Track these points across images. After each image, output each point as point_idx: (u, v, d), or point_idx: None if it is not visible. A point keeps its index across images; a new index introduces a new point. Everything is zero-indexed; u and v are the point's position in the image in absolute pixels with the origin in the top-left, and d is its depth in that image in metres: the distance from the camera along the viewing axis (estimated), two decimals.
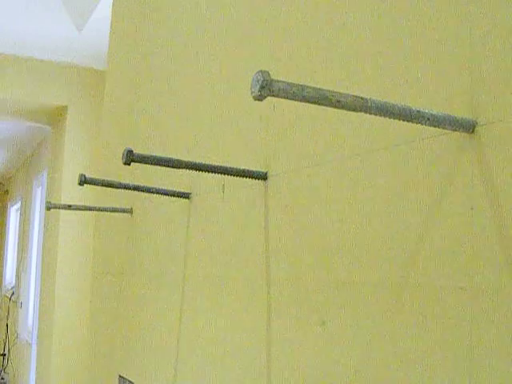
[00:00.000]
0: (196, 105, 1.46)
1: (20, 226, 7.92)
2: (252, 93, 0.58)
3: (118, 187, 1.39)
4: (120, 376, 1.81)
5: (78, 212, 3.96)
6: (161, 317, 1.55)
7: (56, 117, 4.79)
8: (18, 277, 7.69)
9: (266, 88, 0.57)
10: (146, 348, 1.64)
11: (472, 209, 0.67)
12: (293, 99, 0.59)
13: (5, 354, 7.88)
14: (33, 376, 5.44)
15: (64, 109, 4.51)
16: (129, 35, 2.21)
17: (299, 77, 1.04)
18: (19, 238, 7.91)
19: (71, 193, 4.26)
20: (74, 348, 4.24)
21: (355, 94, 0.63)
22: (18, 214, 8.37)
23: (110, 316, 2.03)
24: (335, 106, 0.60)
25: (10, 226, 9.15)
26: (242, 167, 1.10)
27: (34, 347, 5.52)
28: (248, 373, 1.10)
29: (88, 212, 3.50)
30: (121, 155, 2.01)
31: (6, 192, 9.70)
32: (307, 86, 0.59)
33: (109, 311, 2.04)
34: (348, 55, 0.92)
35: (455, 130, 0.68)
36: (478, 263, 0.66)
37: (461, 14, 0.72)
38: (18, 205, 8.28)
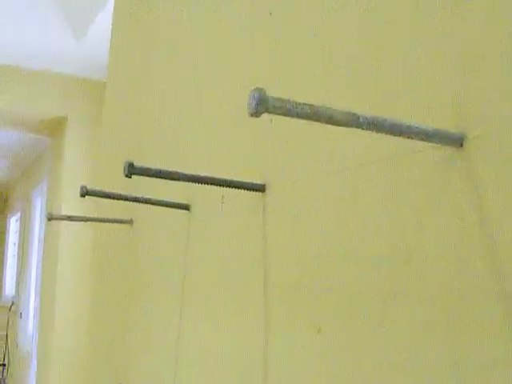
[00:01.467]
0: (196, 116, 1.49)
1: (20, 236, 7.94)
2: (248, 110, 0.61)
3: (118, 198, 1.42)
4: None
5: (78, 222, 3.99)
6: (160, 326, 1.57)
7: (55, 127, 4.82)
8: (17, 287, 7.70)
9: (262, 105, 0.60)
10: (146, 356, 1.66)
11: (460, 220, 0.70)
12: (287, 116, 0.61)
13: (4, 365, 7.88)
14: None
15: (63, 119, 4.54)
16: (129, 46, 2.24)
17: (293, 91, 1.06)
18: (19, 248, 7.93)
19: (71, 203, 4.28)
20: (74, 358, 4.25)
21: (347, 108, 0.66)
22: (18, 224, 8.39)
23: (110, 325, 2.05)
24: (328, 122, 0.63)
25: (10, 237, 9.17)
26: (241, 179, 1.13)
27: (34, 357, 5.53)
28: (245, 379, 1.13)
29: (88, 223, 3.52)
30: (121, 166, 2.03)
31: (6, 201, 9.72)
32: (301, 103, 0.61)
33: (109, 321, 2.06)
34: (339, 70, 0.95)
35: (444, 145, 0.70)
36: (466, 273, 0.68)
37: (450, 28, 0.74)
38: (18, 215, 8.30)
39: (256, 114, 0.60)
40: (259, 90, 0.60)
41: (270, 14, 1.17)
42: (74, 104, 4.46)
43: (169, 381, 1.46)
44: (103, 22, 3.34)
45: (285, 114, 0.61)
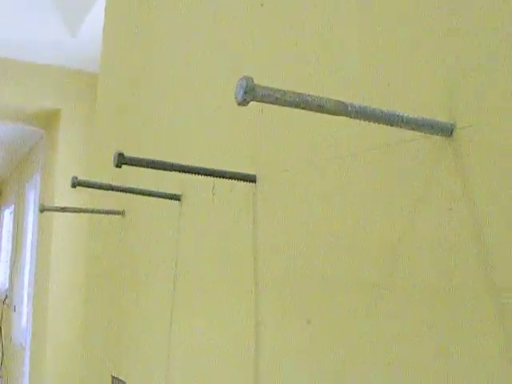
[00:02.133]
0: (187, 108, 1.49)
1: (13, 228, 7.92)
2: (236, 98, 0.60)
3: (109, 189, 1.41)
4: (113, 377, 1.82)
5: (71, 215, 3.98)
6: (152, 317, 1.57)
7: (49, 120, 4.80)
8: (11, 280, 7.68)
9: (249, 93, 0.59)
10: (139, 348, 1.66)
11: (450, 209, 0.69)
12: (276, 104, 0.61)
13: None
14: (26, 379, 5.44)
15: (57, 112, 4.53)
16: (122, 38, 2.23)
17: (284, 82, 1.06)
18: (12, 241, 7.91)
19: (64, 196, 4.27)
20: (68, 350, 4.25)
21: (336, 98, 0.65)
22: (12, 216, 8.37)
23: (102, 317, 2.05)
24: (317, 111, 0.63)
25: (4, 229, 9.14)
26: (232, 170, 1.13)
27: (28, 350, 5.53)
28: (237, 369, 1.13)
29: (81, 215, 3.52)
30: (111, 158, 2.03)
31: (0, 195, 9.70)
32: (289, 91, 0.61)
33: (101, 312, 2.06)
34: (330, 60, 0.94)
35: (434, 134, 0.70)
36: (455, 261, 0.68)
37: (440, 19, 0.74)
38: (12, 208, 8.28)
39: (243, 102, 0.60)
40: (246, 79, 0.60)
41: (262, 5, 1.16)
42: (68, 96, 4.44)
43: (161, 372, 1.46)
44: (98, 15, 3.33)
45: (273, 103, 0.61)
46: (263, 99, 0.60)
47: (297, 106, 0.61)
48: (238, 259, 1.15)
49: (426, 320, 0.72)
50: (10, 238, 8.31)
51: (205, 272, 1.29)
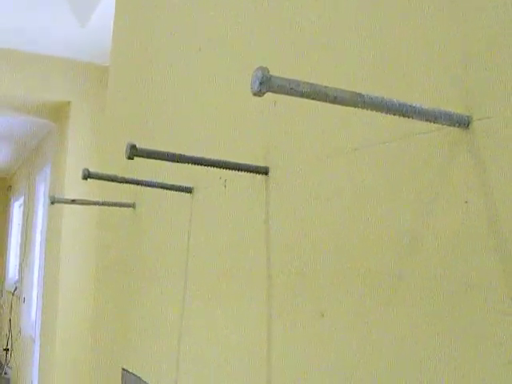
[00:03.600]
0: (199, 99, 1.48)
1: (23, 221, 7.95)
2: (251, 89, 0.60)
3: (120, 181, 1.41)
4: (123, 369, 1.83)
5: (81, 207, 3.98)
6: (163, 310, 1.57)
7: (59, 112, 4.81)
8: (21, 272, 7.72)
9: (265, 84, 0.59)
10: (149, 341, 1.66)
11: (466, 202, 0.69)
12: (291, 95, 0.61)
13: (8, 349, 7.91)
14: (36, 370, 5.47)
15: (67, 104, 4.53)
16: (132, 30, 2.23)
17: (297, 73, 1.05)
18: (22, 233, 7.94)
19: (74, 188, 4.28)
20: (78, 342, 4.26)
21: (352, 89, 0.65)
22: (21, 209, 8.40)
23: (113, 309, 2.05)
24: (332, 102, 0.62)
25: (14, 222, 9.18)
26: (244, 162, 1.12)
27: (37, 342, 5.55)
28: (249, 362, 1.12)
29: (91, 207, 3.52)
30: (122, 150, 2.03)
31: (9, 187, 9.73)
32: (305, 82, 0.61)
33: (112, 305, 2.07)
34: (344, 51, 0.94)
35: (451, 125, 0.69)
36: (472, 255, 0.67)
37: (454, 11, 0.73)
38: (21, 200, 8.31)
39: (259, 93, 0.60)
40: (262, 69, 0.59)
41: None
42: (78, 89, 4.45)
43: (172, 364, 1.46)
44: (107, 7, 3.33)
45: (288, 94, 0.61)
46: (278, 90, 0.60)
47: (312, 96, 0.61)
48: (250, 252, 1.15)
49: (440, 313, 0.71)
50: (20, 230, 8.35)
51: (217, 265, 1.29)
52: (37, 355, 5.51)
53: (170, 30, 1.78)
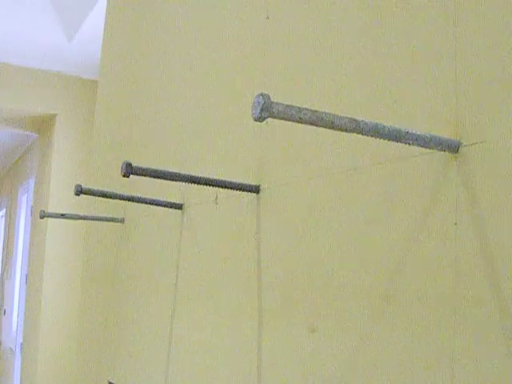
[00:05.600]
0: (190, 117, 1.50)
1: (4, 233, 7.90)
2: (253, 114, 0.62)
3: (113, 197, 1.43)
4: (109, 382, 1.83)
5: (65, 219, 3.98)
6: (151, 323, 1.58)
7: (44, 125, 4.81)
8: (1, 284, 7.66)
9: (266, 110, 0.61)
10: (136, 354, 1.67)
11: (455, 224, 0.72)
12: (291, 120, 0.63)
13: None
14: (17, 383, 5.43)
15: (52, 117, 4.54)
16: (122, 44, 2.25)
17: (292, 96, 1.08)
18: (3, 245, 7.89)
19: (59, 201, 4.28)
20: (60, 354, 4.24)
21: (347, 114, 0.68)
22: (3, 221, 8.35)
23: (99, 322, 2.05)
24: (330, 128, 0.65)
25: None
26: (235, 180, 1.14)
27: (18, 355, 5.51)
28: (239, 378, 1.14)
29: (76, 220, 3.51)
30: (112, 165, 2.04)
31: None
32: (304, 109, 0.63)
33: (98, 317, 2.07)
34: (341, 78, 0.96)
35: (440, 150, 0.72)
36: (460, 275, 0.70)
37: (447, 39, 0.77)
38: (3, 212, 8.26)
39: (260, 119, 0.62)
40: (264, 96, 0.62)
41: (267, 17, 1.18)
42: (64, 102, 4.46)
43: (160, 377, 1.47)
44: (95, 20, 3.35)
45: (288, 119, 0.63)
46: (279, 116, 0.62)
47: (311, 123, 0.63)
48: (240, 269, 1.17)
49: (431, 330, 0.73)
50: (1, 242, 8.29)
51: (207, 280, 1.30)
52: (17, 368, 5.47)
53: (161, 46, 1.80)
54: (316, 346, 0.94)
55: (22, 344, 5.34)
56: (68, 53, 4.06)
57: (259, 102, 0.62)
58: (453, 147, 0.73)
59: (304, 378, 0.96)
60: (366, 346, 0.84)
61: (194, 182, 1.13)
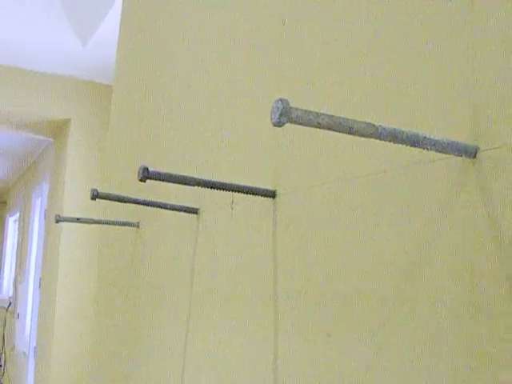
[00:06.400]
0: (206, 121, 1.51)
1: (18, 236, 7.95)
2: (272, 119, 0.63)
3: (128, 202, 1.44)
4: None
5: (80, 224, 4.00)
6: (167, 330, 1.59)
7: (58, 129, 4.84)
8: (15, 288, 7.70)
9: (285, 115, 0.62)
10: (151, 361, 1.67)
11: (474, 229, 0.72)
12: (309, 126, 0.63)
13: (1, 365, 7.88)
14: None
15: (67, 122, 4.57)
16: (137, 49, 2.26)
17: (309, 102, 1.08)
18: (17, 249, 7.94)
19: (73, 205, 4.30)
20: (74, 359, 4.26)
21: (364, 119, 0.68)
22: (16, 224, 8.40)
23: (114, 328, 2.06)
24: (348, 133, 0.65)
25: (8, 237, 9.18)
26: (252, 185, 1.15)
27: (32, 358, 5.54)
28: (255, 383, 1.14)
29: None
30: (126, 169, 2.05)
31: (5, 203, 9.73)
32: (322, 114, 0.63)
33: (112, 322, 2.08)
34: (357, 83, 0.97)
35: (459, 155, 0.72)
36: (477, 280, 0.70)
37: (464, 43, 0.77)
38: (17, 216, 8.32)
39: (279, 124, 0.62)
40: (283, 101, 0.62)
41: (284, 23, 1.19)
42: (78, 107, 4.49)
43: None
44: (109, 25, 3.36)
45: (306, 125, 0.63)
46: (298, 121, 0.63)
47: (330, 128, 0.64)
48: (256, 275, 1.17)
49: (448, 333, 0.73)
50: (15, 246, 8.34)
51: (222, 286, 1.31)
52: (30, 372, 5.50)
53: (177, 51, 1.81)
54: (332, 352, 0.94)
55: (35, 348, 5.36)
56: (82, 58, 4.09)
57: (278, 107, 0.62)
58: (470, 152, 0.73)
59: (319, 382, 0.96)
60: (379, 351, 0.84)
61: (210, 187, 1.13)
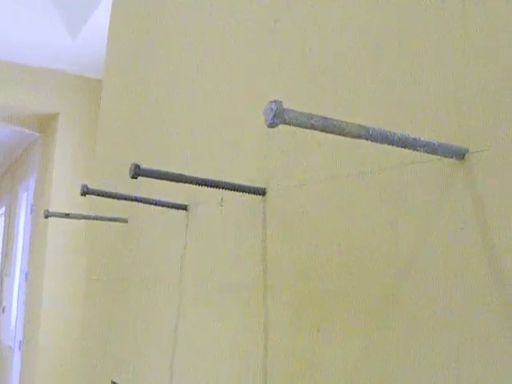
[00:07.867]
0: (196, 118, 1.51)
1: (4, 230, 7.91)
2: (266, 121, 0.63)
3: (118, 198, 1.44)
4: (112, 382, 1.84)
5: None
6: (156, 323, 1.59)
7: (46, 123, 4.82)
8: (1, 281, 7.67)
9: (279, 117, 0.63)
10: (141, 354, 1.67)
11: (462, 229, 0.73)
12: (302, 127, 0.64)
13: None
14: (16, 381, 5.43)
15: (55, 116, 4.55)
16: (127, 43, 2.25)
17: (302, 102, 1.09)
18: (3, 242, 7.90)
19: (60, 199, 4.29)
20: (61, 353, 4.25)
21: (355, 121, 0.69)
22: (2, 218, 8.36)
23: (102, 322, 2.06)
24: (340, 134, 0.66)
25: None
26: (242, 182, 1.15)
27: (17, 352, 5.52)
28: (245, 378, 1.15)
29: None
30: (115, 165, 2.05)
31: None
32: (315, 116, 0.64)
33: (102, 317, 2.08)
34: (349, 83, 0.98)
35: (447, 157, 0.74)
36: (467, 280, 0.71)
37: (455, 45, 0.78)
38: (3, 210, 8.27)
39: (272, 125, 0.63)
40: (276, 103, 0.63)
41: (275, 22, 1.19)
42: (67, 101, 4.47)
43: (165, 378, 1.48)
44: (98, 19, 3.36)
45: (300, 126, 0.64)
46: (291, 122, 0.64)
47: (322, 129, 0.65)
48: (246, 268, 1.18)
49: (437, 330, 0.75)
50: (0, 239, 8.30)
51: (212, 281, 1.31)
52: (16, 365, 5.48)
53: (168, 46, 1.81)
54: (320, 345, 0.95)
55: (21, 342, 5.34)
56: (72, 51, 4.07)
57: (272, 109, 0.63)
58: (459, 154, 0.74)
59: (308, 376, 0.97)
60: (368, 346, 0.85)
61: (200, 184, 1.14)
